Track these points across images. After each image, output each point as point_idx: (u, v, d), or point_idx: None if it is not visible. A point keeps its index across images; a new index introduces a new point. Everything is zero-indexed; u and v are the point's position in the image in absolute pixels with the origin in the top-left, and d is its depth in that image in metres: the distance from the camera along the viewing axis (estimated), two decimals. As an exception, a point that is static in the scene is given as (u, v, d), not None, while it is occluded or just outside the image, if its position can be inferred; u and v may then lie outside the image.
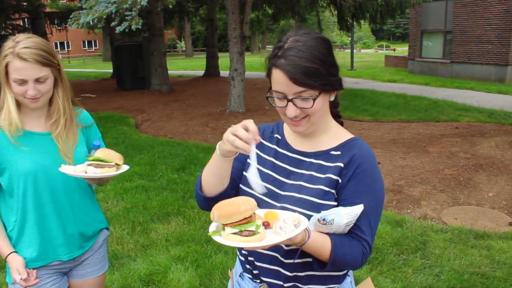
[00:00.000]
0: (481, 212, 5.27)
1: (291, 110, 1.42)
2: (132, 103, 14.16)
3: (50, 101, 1.99)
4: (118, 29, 9.64)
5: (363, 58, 35.89)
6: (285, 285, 1.53)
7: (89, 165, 1.93)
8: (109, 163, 1.95)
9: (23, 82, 1.83)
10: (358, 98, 13.76)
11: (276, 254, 1.50)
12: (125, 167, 2.03)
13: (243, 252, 1.62)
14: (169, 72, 17.90)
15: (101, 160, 1.94)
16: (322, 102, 1.45)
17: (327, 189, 1.46)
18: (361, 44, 64.18)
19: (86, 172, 1.91)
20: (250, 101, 12.33)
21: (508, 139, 7.80)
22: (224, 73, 20.06)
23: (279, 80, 1.40)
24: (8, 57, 1.82)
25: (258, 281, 1.60)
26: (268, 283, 1.57)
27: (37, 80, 1.85)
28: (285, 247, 1.47)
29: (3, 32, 19.12)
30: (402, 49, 44.83)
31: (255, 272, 1.59)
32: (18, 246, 1.99)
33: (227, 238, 1.29)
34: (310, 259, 1.44)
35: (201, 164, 7.04)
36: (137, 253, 4.29)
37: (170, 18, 22.48)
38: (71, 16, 10.71)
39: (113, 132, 9.75)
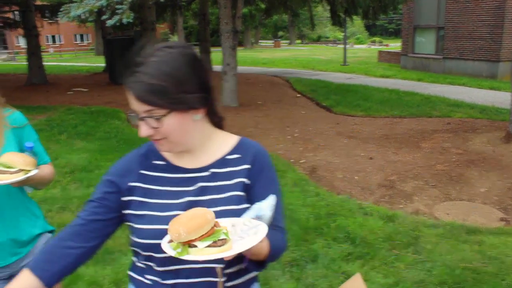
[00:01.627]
0: (472, 207, 5.30)
1: (143, 129, 1.35)
2: (124, 97, 13.59)
3: None
4: (109, 23, 9.54)
5: (356, 54, 35.92)
6: None
7: None
8: (11, 168, 1.84)
9: None
10: (351, 94, 13.78)
11: (210, 278, 1.41)
12: (33, 172, 1.88)
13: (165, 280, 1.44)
14: (161, 66, 17.83)
15: (3, 165, 1.84)
16: (178, 122, 1.35)
17: (239, 193, 1.44)
18: (354, 40, 64.21)
19: None
20: (243, 96, 12.31)
21: (499, 134, 7.84)
22: (216, 67, 20.01)
23: (130, 98, 1.34)
24: None
25: None
26: None
27: None
28: (219, 265, 1.40)
29: (-7, 25, 18.94)
30: (395, 45, 44.91)
31: None
32: None
33: (208, 253, 1.19)
34: (242, 266, 1.41)
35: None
36: (128, 248, 4.26)
37: (162, 12, 22.36)
38: (61, 9, 10.59)
39: (105, 126, 9.69)
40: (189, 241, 1.19)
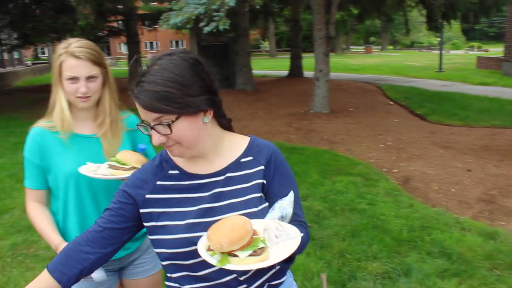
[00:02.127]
0: None
1: (155, 138, 1.36)
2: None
3: (97, 104, 2.04)
4: (206, 30, 9.90)
5: (452, 60, 34.30)
6: None
7: (109, 165, 1.94)
8: (125, 165, 1.93)
9: (75, 79, 1.90)
10: (447, 102, 13.19)
11: (234, 275, 1.42)
12: None
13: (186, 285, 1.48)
14: (253, 71, 18.15)
15: (118, 162, 1.94)
16: (188, 126, 1.36)
17: (258, 195, 1.45)
18: (450, 45, 61.41)
19: (95, 173, 1.92)
20: (334, 102, 12.20)
21: None
22: (307, 73, 20.01)
23: (138, 109, 1.36)
24: (62, 56, 1.90)
25: None
26: None
27: (88, 78, 1.92)
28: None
29: (100, 33, 20.31)
30: (495, 50, 42.38)
31: None
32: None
33: (251, 262, 1.21)
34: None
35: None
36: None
37: (255, 18, 22.76)
38: (161, 17, 11.15)
39: None
40: (230, 251, 1.21)
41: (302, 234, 1.30)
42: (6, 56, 32.62)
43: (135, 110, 2.06)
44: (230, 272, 1.36)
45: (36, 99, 17.71)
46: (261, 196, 1.46)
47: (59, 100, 1.96)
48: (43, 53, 52.05)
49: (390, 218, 5.00)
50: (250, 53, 18.09)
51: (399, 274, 3.84)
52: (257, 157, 1.51)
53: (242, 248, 1.21)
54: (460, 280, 3.75)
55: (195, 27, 14.49)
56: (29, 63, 43.03)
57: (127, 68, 21.00)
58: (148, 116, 1.34)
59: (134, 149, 2.13)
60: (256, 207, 1.43)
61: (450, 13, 14.94)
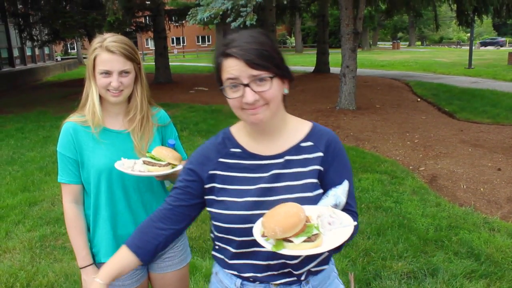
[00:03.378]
0: None
1: (250, 95, 1.39)
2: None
3: (129, 99, 2.06)
4: (233, 25, 9.91)
5: (483, 56, 33.57)
6: (301, 278, 1.55)
7: (144, 162, 1.96)
8: (161, 162, 1.95)
9: (108, 74, 1.93)
10: (477, 99, 12.92)
11: (283, 260, 1.50)
12: (179, 167, 1.97)
13: (243, 272, 1.57)
14: (279, 67, 18.09)
15: (154, 158, 1.96)
16: (278, 89, 1.45)
17: (314, 180, 1.49)
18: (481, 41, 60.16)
19: (133, 169, 1.94)
20: (361, 99, 12.09)
21: None
22: (334, 69, 19.87)
23: (233, 66, 1.39)
24: (96, 51, 1.93)
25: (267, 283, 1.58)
26: (282, 284, 1.56)
27: (121, 73, 1.95)
28: None
29: (128, 29, 20.54)
30: (528, 46, 41.32)
31: (265, 282, 1.56)
32: (93, 241, 2.09)
33: (305, 248, 1.27)
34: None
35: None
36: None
37: (281, 14, 22.72)
38: (189, 13, 11.22)
39: (224, 124, 9.90)
40: (285, 238, 1.26)
41: (355, 223, 1.35)
42: (37, 51, 33.27)
43: (164, 105, 2.09)
44: (278, 255, 1.37)
45: (65, 94, 18.07)
46: (317, 182, 1.50)
47: (91, 94, 2.00)
48: (72, 48, 52.95)
49: (416, 216, 4.93)
50: (276, 49, 18.04)
51: (425, 274, 3.79)
52: (317, 143, 1.54)
53: (296, 235, 1.26)
54: (488, 282, 3.68)
55: (222, 22, 14.54)
56: (59, 58, 43.82)
57: (153, 63, 21.17)
58: (245, 73, 1.38)
59: (163, 144, 2.16)
60: (312, 192, 1.48)
61: (482, 7, 14.56)
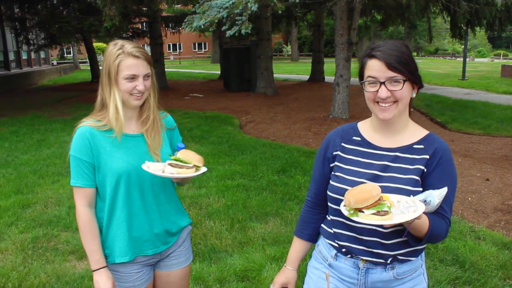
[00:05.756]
0: None
1: (383, 91, 1.68)
2: (237, 104, 14.61)
3: (142, 103, 2.14)
4: (229, 33, 10.01)
5: (477, 68, 33.84)
6: (388, 261, 1.77)
7: (169, 164, 2.02)
8: (188, 164, 2.02)
9: (134, 78, 2.01)
10: (469, 110, 13.06)
11: (376, 238, 1.75)
12: (203, 169, 2.07)
13: (340, 241, 1.85)
14: (274, 75, 18.23)
15: (180, 161, 2.02)
16: (408, 91, 1.71)
17: (416, 177, 1.71)
18: (475, 53, 60.56)
19: (163, 171, 2.00)
20: (354, 108, 12.20)
21: None
22: (328, 78, 20.00)
23: (375, 66, 1.69)
24: (120, 56, 2.00)
25: (356, 257, 1.83)
26: (369, 261, 1.80)
27: (145, 77, 2.04)
28: (383, 230, 1.72)
29: (124, 35, 20.62)
30: (522, 59, 41.69)
31: (355, 256, 1.82)
32: (106, 242, 2.12)
33: (371, 219, 1.53)
34: (405, 238, 1.71)
35: (302, 168, 7.12)
36: (234, 249, 4.46)
37: (278, 22, 22.85)
38: (185, 20, 11.29)
39: (218, 131, 10.16)
40: (358, 208, 1.55)
41: (423, 208, 1.53)
42: (33, 55, 33.25)
43: (169, 111, 2.19)
44: (372, 232, 1.73)
45: (60, 98, 18.10)
46: (418, 179, 1.72)
47: (114, 99, 2.04)
48: (68, 53, 52.94)
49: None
50: (271, 57, 18.16)
51: (410, 279, 3.85)
52: (427, 147, 1.77)
53: (368, 208, 1.54)
54: (471, 288, 3.76)
55: (218, 30, 14.64)
56: (54, 62, 43.81)
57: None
58: (383, 74, 1.68)
59: (172, 147, 2.25)
60: (412, 187, 1.70)
61: (474, 20, 14.73)
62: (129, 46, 2.03)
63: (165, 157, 2.10)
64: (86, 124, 2.08)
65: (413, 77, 1.71)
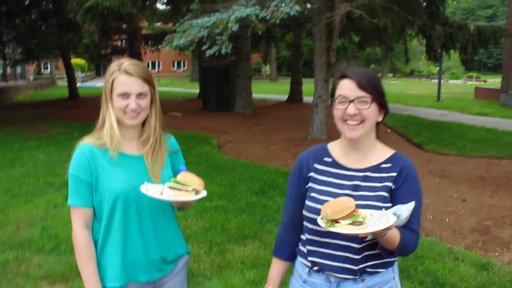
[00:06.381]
0: None
1: (352, 108, 1.80)
2: (216, 124, 14.56)
3: (143, 123, 2.09)
4: (209, 53, 10.01)
5: (451, 89, 34.61)
6: (356, 276, 1.87)
7: (168, 187, 1.94)
8: (187, 187, 1.94)
9: (126, 95, 1.96)
10: (444, 131, 13.28)
11: (349, 254, 1.84)
12: (203, 193, 1.98)
13: (312, 258, 1.95)
14: (253, 95, 18.27)
15: (180, 184, 1.94)
16: (374, 112, 1.84)
17: (385, 194, 1.84)
18: (449, 75, 61.90)
19: (161, 194, 1.92)
20: (333, 129, 12.22)
21: None
22: (306, 99, 20.14)
23: (346, 86, 1.82)
24: (115, 73, 1.97)
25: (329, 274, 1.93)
26: (340, 278, 1.90)
27: (139, 95, 1.98)
28: (357, 246, 1.82)
29: (104, 51, 20.51)
30: (493, 81, 42.75)
31: (326, 272, 1.92)
32: (98, 265, 2.04)
33: (347, 228, 1.62)
34: (378, 251, 1.79)
35: (280, 189, 7.08)
36: (213, 273, 4.38)
37: (257, 43, 22.99)
38: (165, 39, 11.28)
39: (196, 151, 10.07)
40: (334, 219, 1.64)
41: (395, 219, 1.64)
42: (9, 70, 32.79)
43: (173, 132, 2.22)
44: (343, 248, 1.85)
45: (36, 114, 17.79)
46: (387, 196, 1.84)
47: (109, 117, 2.01)
48: (46, 68, 52.36)
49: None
50: (251, 77, 18.23)
51: (390, 303, 3.82)
52: (394, 165, 1.89)
53: (344, 218, 1.63)
54: (451, 311, 3.74)
55: (198, 49, 14.65)
56: (31, 78, 43.25)
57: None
58: (353, 93, 1.81)
59: (174, 170, 2.17)
60: (381, 203, 1.81)
61: (449, 43, 15.11)
62: (126, 63, 1.99)
63: (165, 179, 2.02)
64: (87, 142, 2.02)
65: (380, 100, 1.85)
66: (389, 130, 13.73)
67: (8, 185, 7.43)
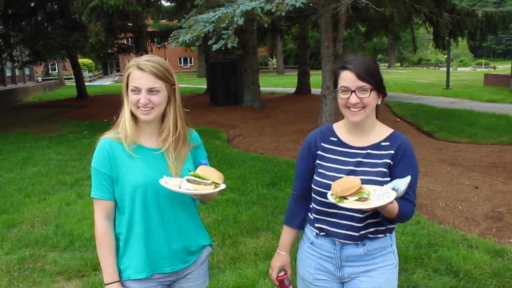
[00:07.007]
0: None
1: (354, 98, 1.99)
2: (224, 118, 14.58)
3: (163, 119, 2.11)
4: (215, 47, 9.99)
5: (460, 77, 34.31)
6: (358, 241, 2.09)
7: (187, 180, 1.97)
8: (206, 180, 1.97)
9: (137, 90, 1.99)
10: (455, 119, 13.17)
11: (352, 223, 2.06)
12: (222, 186, 2.02)
13: (319, 224, 2.17)
14: (260, 88, 18.24)
15: (199, 177, 1.98)
16: (374, 98, 2.03)
17: (385, 170, 2.04)
18: (458, 62, 61.40)
19: (180, 187, 1.95)
20: (341, 119, 12.21)
21: None
22: (315, 90, 20.09)
23: (347, 77, 2.00)
24: (130, 69, 2.02)
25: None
26: (343, 243, 2.12)
27: (150, 91, 2.00)
28: (360, 216, 2.03)
29: (110, 50, 20.56)
30: (503, 67, 42.35)
31: (331, 237, 2.14)
32: (123, 257, 2.09)
33: (354, 204, 1.82)
34: (378, 219, 2.01)
35: (291, 180, 7.05)
36: (226, 265, 4.40)
37: (263, 36, 22.94)
38: (171, 35, 11.27)
39: (206, 146, 9.88)
40: (343, 196, 1.84)
41: (395, 195, 1.84)
42: (17, 72, 33.00)
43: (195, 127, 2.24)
44: (349, 217, 2.06)
45: (45, 115, 17.92)
46: (386, 171, 2.04)
47: (123, 112, 2.07)
48: (54, 69, 52.61)
49: (396, 235, 4.98)
50: (258, 70, 18.19)
51: (405, 291, 3.83)
52: (392, 143, 2.09)
53: (351, 195, 1.84)
54: (466, 297, 3.73)
55: (204, 44, 14.65)
56: (39, 79, 43.49)
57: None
58: (354, 83, 1.99)
59: (196, 164, 2.19)
60: (381, 177, 2.02)
61: (457, 31, 14.93)
62: (142, 59, 2.03)
63: (185, 173, 2.06)
64: (107, 136, 2.07)
65: (379, 87, 2.04)
66: (398, 120, 13.66)
67: (22, 184, 7.50)
